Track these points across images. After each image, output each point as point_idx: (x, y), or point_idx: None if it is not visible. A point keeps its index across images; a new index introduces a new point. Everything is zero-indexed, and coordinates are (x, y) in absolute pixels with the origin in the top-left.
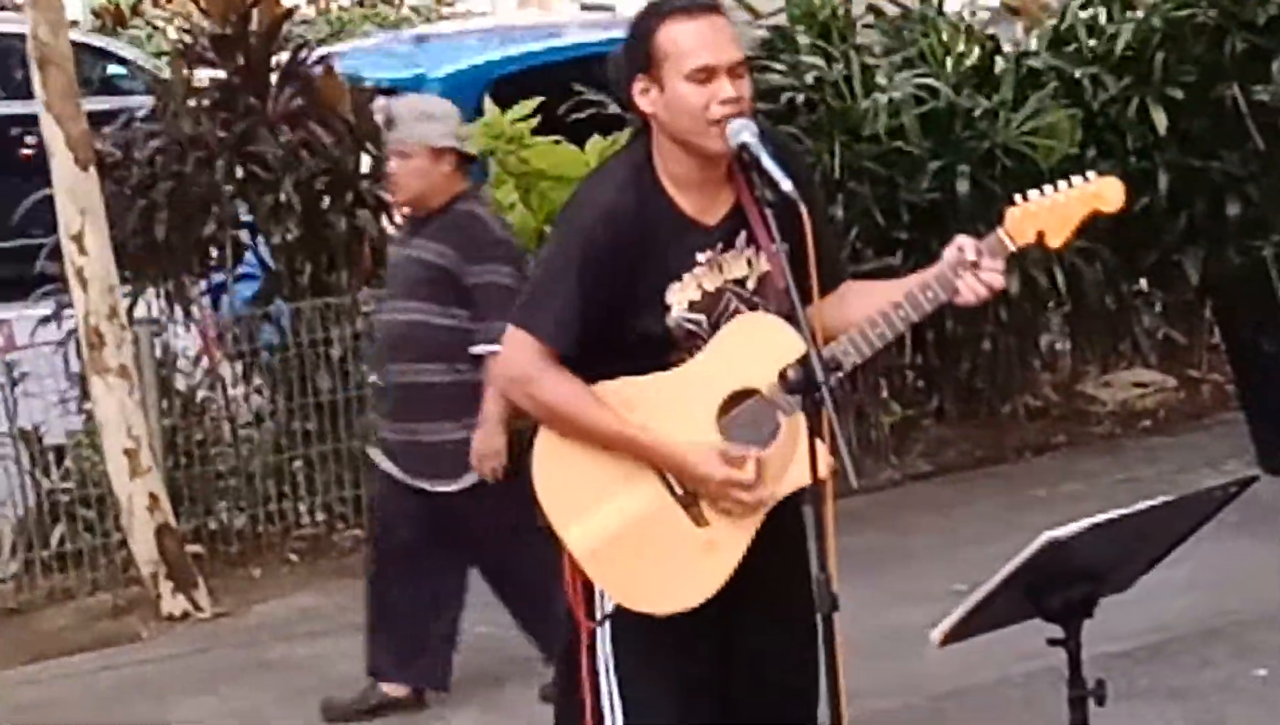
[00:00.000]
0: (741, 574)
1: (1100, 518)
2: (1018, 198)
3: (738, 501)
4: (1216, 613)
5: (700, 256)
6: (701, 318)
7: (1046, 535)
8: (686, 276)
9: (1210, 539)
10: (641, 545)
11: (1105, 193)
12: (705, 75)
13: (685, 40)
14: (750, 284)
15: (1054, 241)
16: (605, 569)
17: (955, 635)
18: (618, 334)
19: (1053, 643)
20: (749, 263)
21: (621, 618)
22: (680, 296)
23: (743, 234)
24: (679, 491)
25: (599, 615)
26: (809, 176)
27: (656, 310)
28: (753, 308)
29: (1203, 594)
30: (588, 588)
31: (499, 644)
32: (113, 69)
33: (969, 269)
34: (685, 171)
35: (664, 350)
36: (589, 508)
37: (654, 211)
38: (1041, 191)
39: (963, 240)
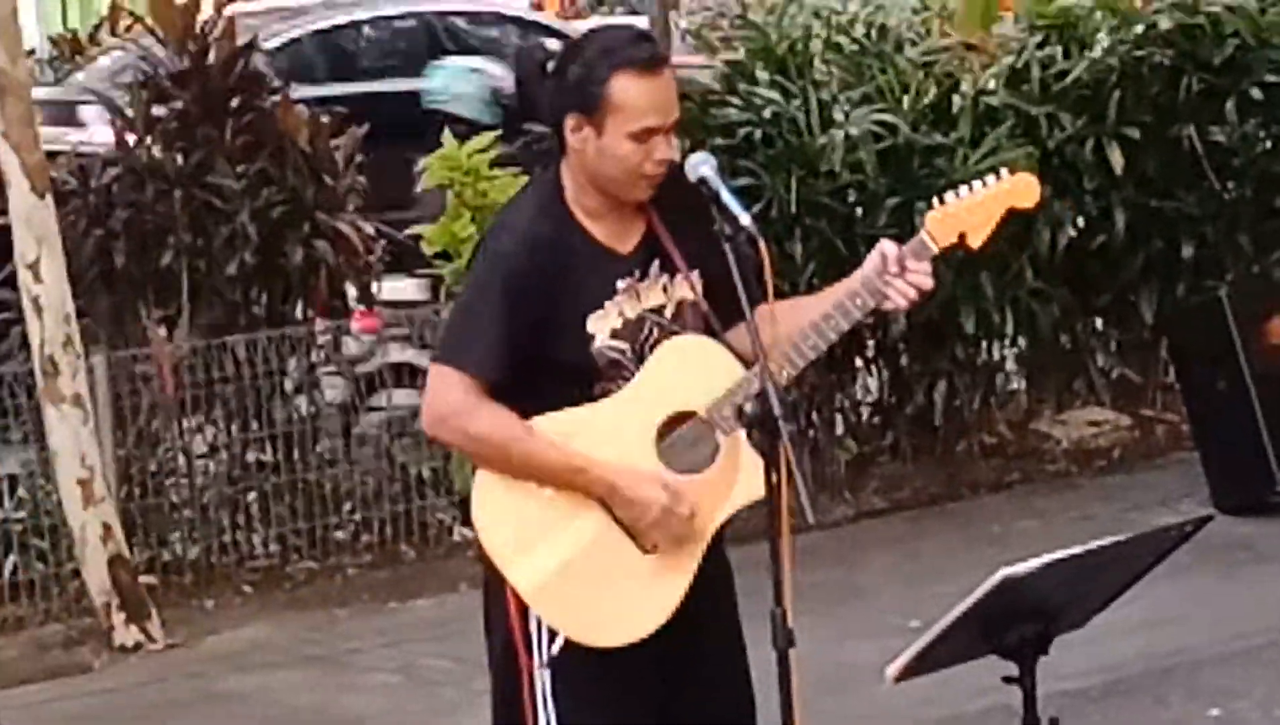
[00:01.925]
0: (689, 599)
1: (1056, 555)
2: (935, 201)
3: (671, 532)
4: (1170, 652)
5: (620, 284)
6: (625, 346)
7: (1002, 572)
8: (608, 304)
9: (1165, 578)
10: (590, 577)
11: (1021, 190)
12: (648, 135)
13: (638, 99)
14: (668, 312)
15: (975, 241)
16: (554, 605)
17: (910, 671)
18: (542, 366)
19: (1008, 680)
20: (664, 290)
21: (563, 658)
22: (602, 325)
23: (656, 262)
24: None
25: (542, 658)
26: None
27: (579, 339)
28: (673, 335)
29: (1157, 633)
30: (527, 628)
31: (452, 675)
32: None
33: (897, 275)
34: (597, 204)
35: (589, 380)
36: (533, 544)
37: (570, 240)
38: (958, 193)
39: (885, 245)
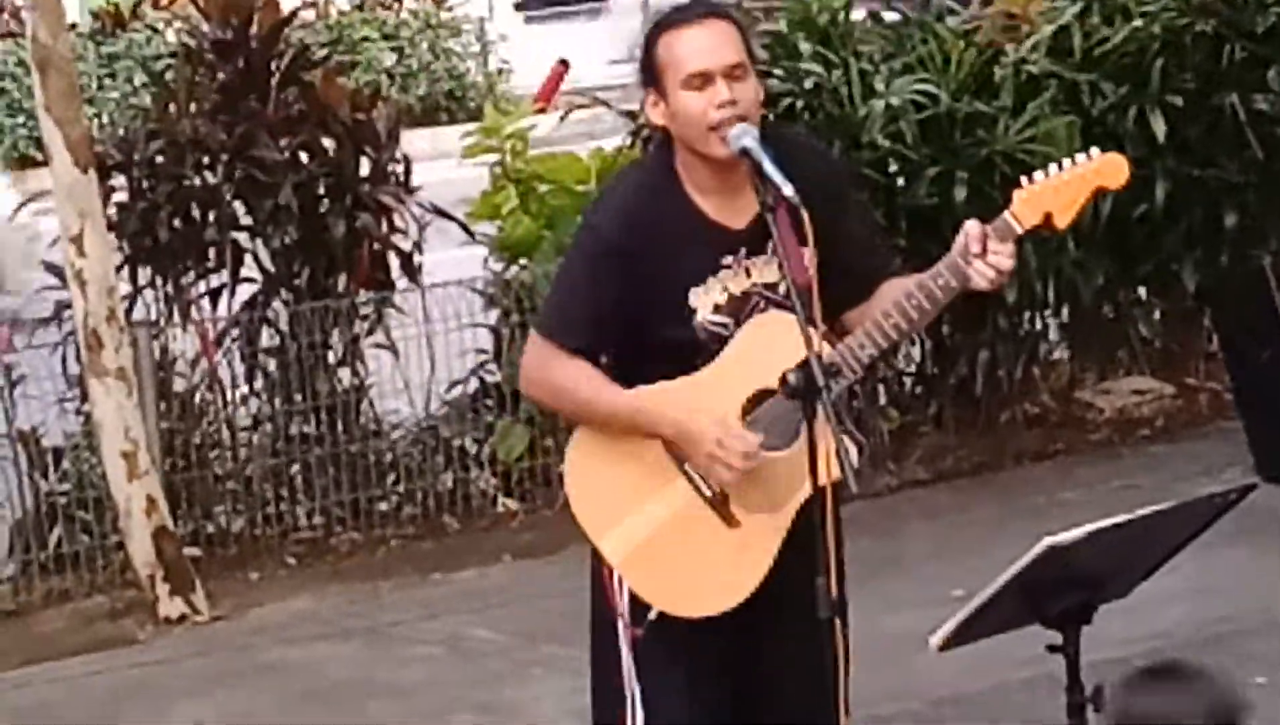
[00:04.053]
0: (773, 574)
1: (1100, 525)
2: (1024, 180)
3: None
4: (1214, 620)
5: (725, 260)
6: (728, 321)
7: (1046, 541)
8: (711, 280)
9: (1208, 546)
10: (674, 549)
11: (1108, 170)
12: (701, 81)
13: (680, 48)
14: (782, 288)
15: (1061, 222)
16: (641, 574)
17: (954, 641)
18: (645, 339)
19: (1052, 649)
20: (780, 267)
21: (654, 628)
22: (704, 300)
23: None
24: (708, 493)
25: (631, 624)
26: (837, 173)
27: (681, 314)
28: (784, 311)
29: (1200, 601)
30: (620, 595)
31: (496, 646)
32: None
33: (979, 255)
34: (705, 178)
35: (691, 355)
36: (621, 516)
37: (673, 215)
38: (1046, 173)
39: (970, 225)
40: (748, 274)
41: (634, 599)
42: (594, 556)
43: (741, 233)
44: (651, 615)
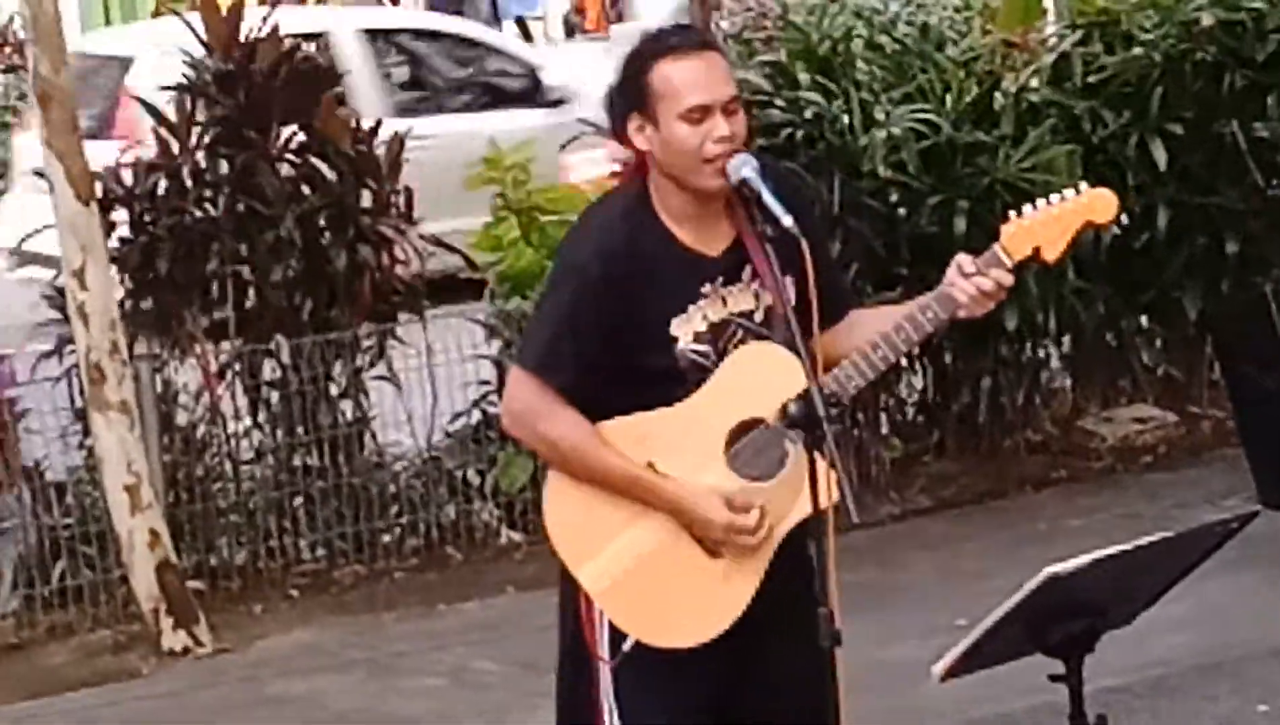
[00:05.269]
0: (756, 601)
1: (1102, 553)
2: (1012, 214)
3: (740, 546)
4: (1217, 648)
5: (704, 288)
6: (708, 349)
7: (1048, 570)
8: (691, 308)
9: (1211, 574)
10: (656, 579)
11: (1097, 205)
12: (700, 114)
13: (679, 79)
14: (758, 317)
15: (1050, 256)
16: (621, 605)
17: (957, 670)
18: (627, 369)
19: (1054, 678)
20: (755, 296)
21: (631, 657)
22: (685, 328)
23: (747, 268)
24: None
25: (609, 655)
26: (810, 209)
27: (662, 343)
28: (761, 339)
29: (1203, 629)
30: (597, 625)
31: (500, 678)
32: None
33: (965, 276)
34: (682, 205)
35: (674, 384)
36: (601, 545)
37: (651, 245)
38: (1035, 206)
39: (961, 258)
40: (724, 302)
41: (613, 631)
42: (564, 591)
43: (717, 260)
44: (626, 646)
